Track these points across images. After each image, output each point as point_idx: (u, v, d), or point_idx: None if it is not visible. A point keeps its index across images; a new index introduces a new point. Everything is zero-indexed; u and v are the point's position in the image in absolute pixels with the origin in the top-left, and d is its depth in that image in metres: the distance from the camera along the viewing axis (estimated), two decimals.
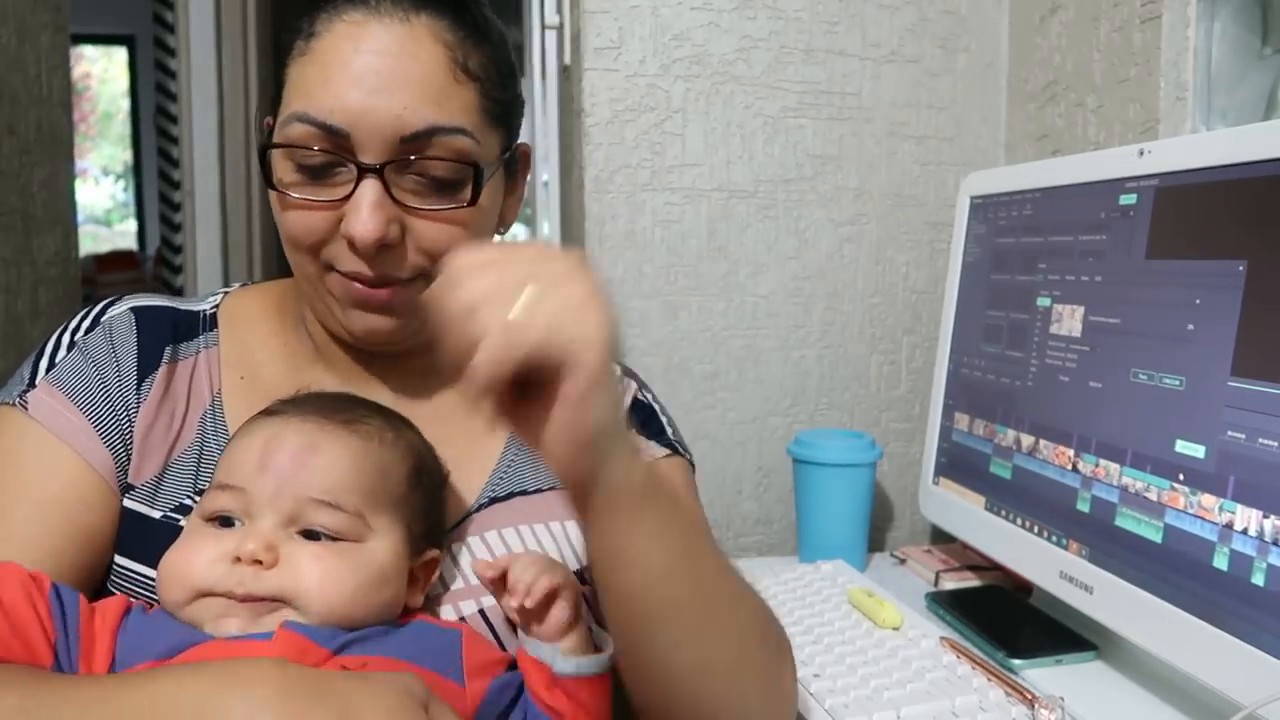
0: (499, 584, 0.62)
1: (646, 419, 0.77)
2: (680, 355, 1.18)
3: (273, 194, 0.65)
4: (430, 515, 0.64)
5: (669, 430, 0.78)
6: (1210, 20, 0.91)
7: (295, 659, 0.51)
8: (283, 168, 0.63)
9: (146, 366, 0.66)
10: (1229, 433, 0.66)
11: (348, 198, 0.61)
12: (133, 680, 0.49)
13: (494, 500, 0.70)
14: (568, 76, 1.22)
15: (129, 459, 0.64)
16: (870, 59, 1.20)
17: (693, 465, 0.80)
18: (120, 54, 5.13)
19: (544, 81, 1.21)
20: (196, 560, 0.55)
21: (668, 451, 0.76)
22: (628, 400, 0.78)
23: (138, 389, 0.65)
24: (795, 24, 1.17)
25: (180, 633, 0.54)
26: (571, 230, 1.19)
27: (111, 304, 0.69)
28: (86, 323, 0.68)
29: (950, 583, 1.04)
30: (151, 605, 0.59)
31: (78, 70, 5.14)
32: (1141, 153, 0.79)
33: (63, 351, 0.66)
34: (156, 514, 0.63)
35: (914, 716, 0.71)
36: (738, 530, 1.22)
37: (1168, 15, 0.93)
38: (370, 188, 0.61)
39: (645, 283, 1.17)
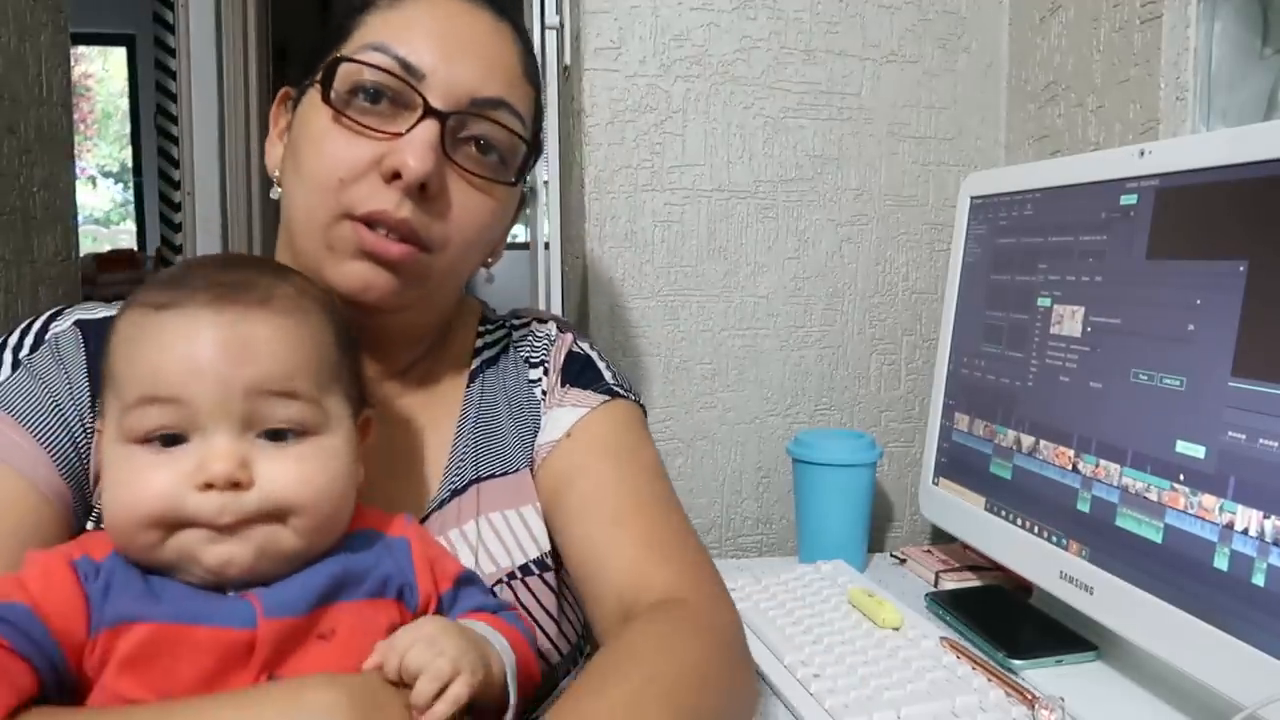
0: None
1: (582, 367, 0.76)
2: (680, 355, 1.18)
3: (311, 124, 0.62)
4: (358, 371, 0.60)
5: (608, 375, 0.76)
6: (1210, 20, 0.91)
7: (281, 644, 0.50)
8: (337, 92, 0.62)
9: (98, 383, 0.60)
10: (1229, 433, 0.66)
11: (400, 135, 0.61)
12: (181, 713, 0.47)
13: (455, 493, 0.69)
14: (568, 76, 1.22)
15: (89, 479, 0.60)
16: (870, 59, 1.20)
17: (643, 407, 0.78)
18: (120, 54, 5.13)
19: (544, 82, 1.20)
20: (157, 489, 0.50)
21: (605, 398, 0.74)
22: (562, 352, 0.76)
23: (92, 406, 0.61)
24: (795, 24, 1.17)
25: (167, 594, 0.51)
26: (571, 230, 1.19)
27: (53, 319, 0.65)
28: (29, 339, 0.63)
29: (950, 583, 1.04)
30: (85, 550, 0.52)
31: (78, 70, 5.14)
32: (1142, 153, 0.78)
33: (5, 370, 0.61)
34: None
35: (914, 716, 0.70)
36: (737, 530, 1.22)
37: (1168, 15, 0.93)
38: (430, 128, 0.61)
39: (645, 283, 1.17)
